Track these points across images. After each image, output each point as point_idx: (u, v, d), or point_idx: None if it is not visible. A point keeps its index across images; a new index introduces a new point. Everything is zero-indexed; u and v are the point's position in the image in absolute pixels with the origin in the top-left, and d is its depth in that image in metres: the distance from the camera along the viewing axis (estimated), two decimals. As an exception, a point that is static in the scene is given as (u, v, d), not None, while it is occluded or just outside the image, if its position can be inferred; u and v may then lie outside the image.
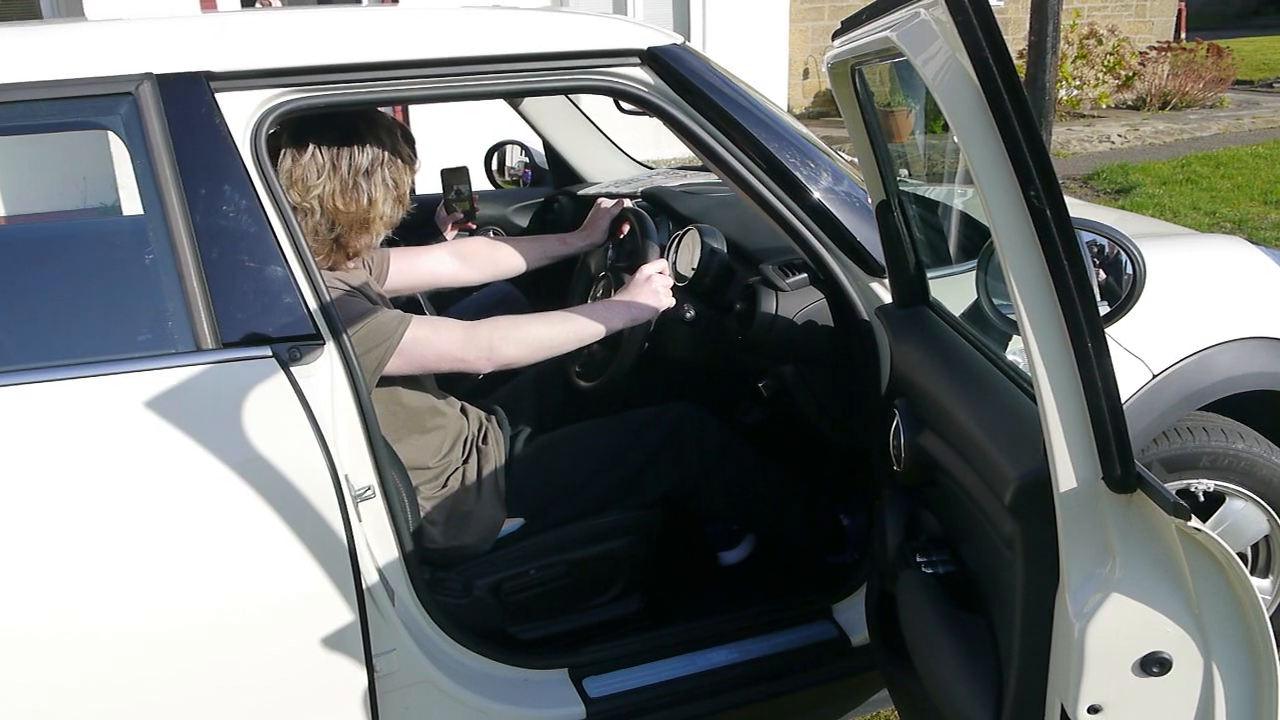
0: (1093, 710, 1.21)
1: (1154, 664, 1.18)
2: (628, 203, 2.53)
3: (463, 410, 2.12)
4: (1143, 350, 1.96)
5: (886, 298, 1.91)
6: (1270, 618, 1.49)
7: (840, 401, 2.09)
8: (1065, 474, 1.14)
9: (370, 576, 1.70)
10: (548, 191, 3.37)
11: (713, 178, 2.90)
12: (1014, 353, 1.74)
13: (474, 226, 2.96)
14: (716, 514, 2.31)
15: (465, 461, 2.04)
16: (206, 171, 1.59)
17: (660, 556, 2.21)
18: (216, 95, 1.62)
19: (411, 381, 1.94)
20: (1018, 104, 1.04)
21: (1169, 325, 1.99)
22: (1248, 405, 2.07)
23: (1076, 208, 2.61)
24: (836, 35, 1.63)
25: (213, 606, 1.56)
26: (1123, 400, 1.12)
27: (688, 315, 2.20)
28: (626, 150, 3.42)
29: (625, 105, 2.03)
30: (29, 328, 1.62)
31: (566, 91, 1.93)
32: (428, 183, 2.93)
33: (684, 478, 2.15)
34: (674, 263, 2.31)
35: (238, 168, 1.61)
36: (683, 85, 1.84)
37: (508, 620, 2.04)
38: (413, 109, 6.20)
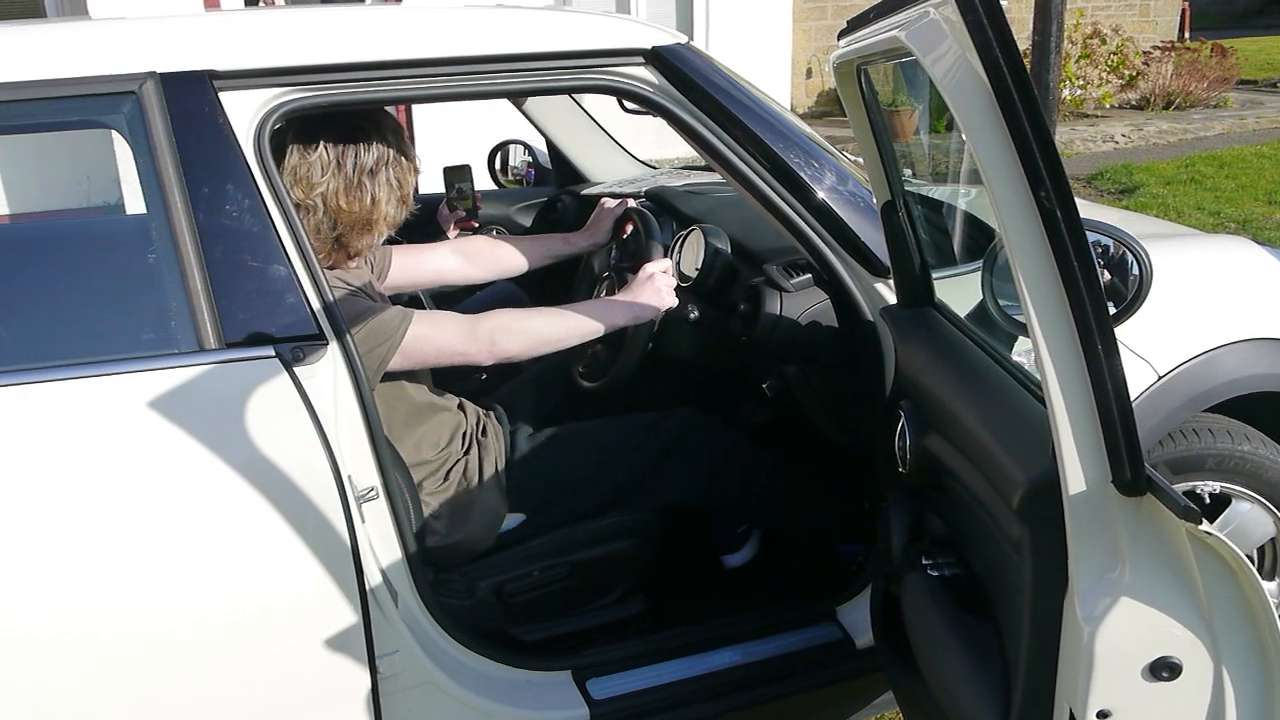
0: (1102, 715, 1.20)
1: (1164, 668, 1.17)
2: (631, 202, 2.53)
3: (460, 405, 2.11)
4: (1148, 351, 1.95)
5: (891, 298, 1.90)
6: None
7: (844, 403, 2.09)
8: (1074, 477, 1.13)
9: (373, 578, 1.69)
10: (551, 191, 3.37)
11: (717, 177, 2.89)
12: (1018, 354, 1.73)
13: (476, 225, 2.96)
14: (729, 515, 2.30)
15: (466, 453, 2.03)
16: (209, 170, 1.59)
17: (663, 559, 2.20)
18: (220, 94, 1.62)
19: (411, 376, 1.94)
20: (1028, 104, 1.03)
21: (1175, 326, 1.98)
22: (1254, 407, 2.06)
23: (1081, 208, 2.59)
24: (842, 35, 1.63)
25: (215, 608, 1.55)
26: (1129, 402, 1.11)
27: (691, 316, 2.19)
28: (630, 150, 3.41)
29: (629, 105, 2.02)
30: (31, 327, 1.62)
31: (570, 91, 1.93)
32: (430, 181, 2.93)
33: (694, 483, 2.14)
34: (678, 263, 2.30)
35: (241, 167, 1.60)
36: (687, 85, 1.84)
37: (511, 622, 2.03)
38: (416, 109, 6.19)
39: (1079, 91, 9.93)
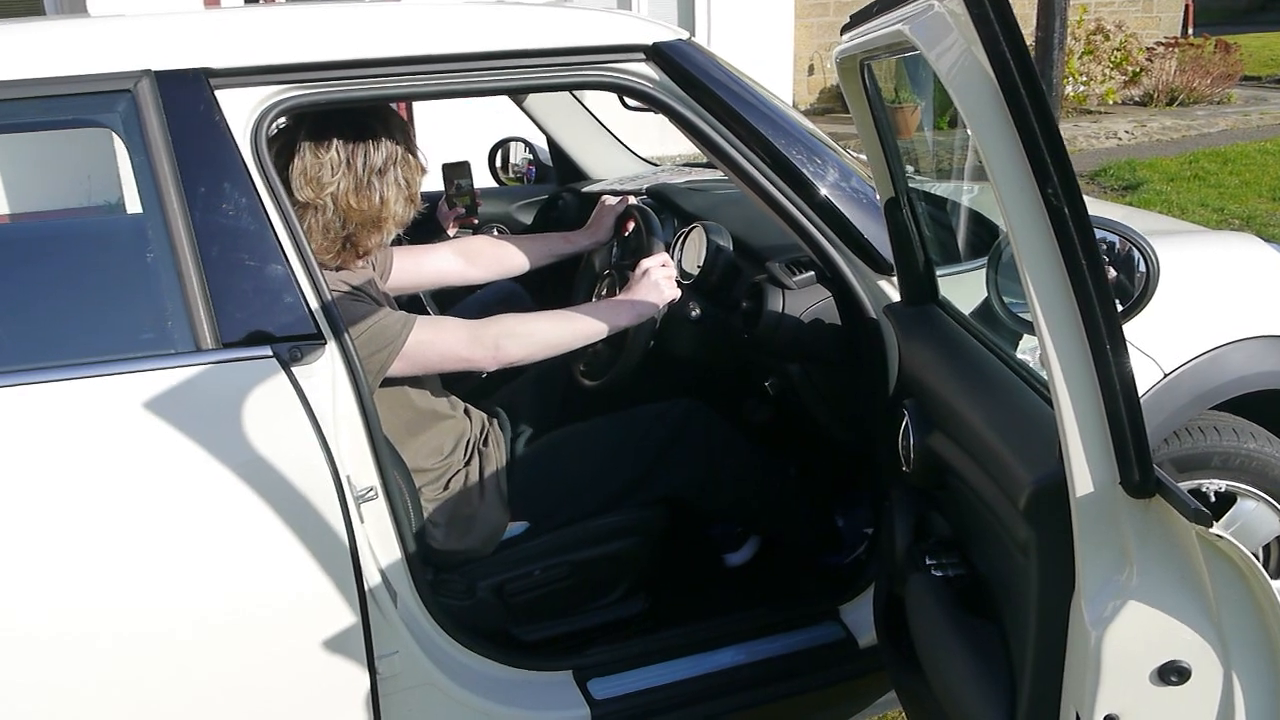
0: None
1: (1172, 673, 1.16)
2: (632, 200, 2.51)
3: (466, 412, 2.10)
4: (1154, 349, 1.94)
5: (895, 296, 1.89)
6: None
7: (848, 401, 2.07)
8: (1082, 478, 1.12)
9: (372, 578, 1.68)
10: (552, 189, 3.35)
11: (719, 174, 2.87)
12: (1023, 351, 1.72)
13: (475, 221, 2.94)
14: (720, 514, 2.29)
15: (467, 464, 2.02)
16: (206, 169, 1.58)
17: (665, 558, 2.19)
18: (216, 92, 1.60)
19: (414, 382, 1.93)
20: (1035, 99, 1.01)
21: (1181, 323, 1.97)
22: (1260, 404, 2.05)
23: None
24: (846, 29, 1.61)
25: (213, 608, 1.54)
26: (1135, 401, 1.09)
27: (693, 314, 2.18)
28: (632, 147, 3.40)
29: (630, 101, 2.00)
30: (28, 328, 1.61)
31: (571, 87, 1.91)
32: (430, 179, 2.91)
33: (691, 477, 2.13)
34: (679, 260, 2.29)
35: (238, 165, 1.59)
36: (688, 81, 1.82)
37: (511, 621, 2.02)
38: (417, 106, 6.18)
39: (1082, 88, 9.90)
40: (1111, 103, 10.18)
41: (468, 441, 2.05)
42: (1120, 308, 1.58)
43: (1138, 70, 10.20)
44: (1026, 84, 1.01)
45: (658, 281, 2.06)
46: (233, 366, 1.54)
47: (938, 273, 1.82)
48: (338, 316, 1.63)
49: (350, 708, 1.67)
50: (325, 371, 1.60)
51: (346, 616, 1.61)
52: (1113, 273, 1.65)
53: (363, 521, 1.66)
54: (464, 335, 1.88)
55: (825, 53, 10.14)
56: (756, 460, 2.20)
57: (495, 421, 2.15)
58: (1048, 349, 1.10)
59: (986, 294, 1.72)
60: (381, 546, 1.72)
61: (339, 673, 1.63)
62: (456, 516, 1.98)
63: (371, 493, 1.68)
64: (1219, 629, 1.15)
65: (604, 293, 2.38)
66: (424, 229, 2.80)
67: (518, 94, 2.98)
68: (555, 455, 2.11)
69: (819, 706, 2.11)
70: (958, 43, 1.11)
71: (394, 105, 1.91)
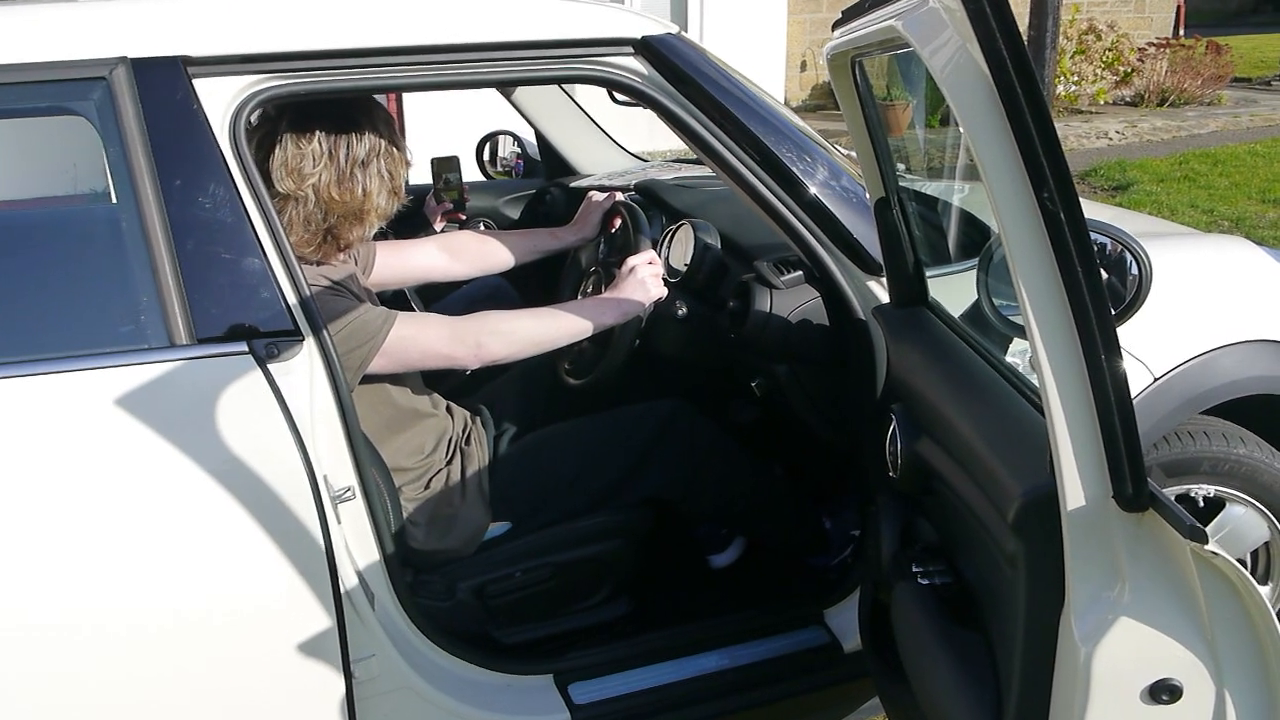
0: (1097, 737, 1.16)
1: (1164, 691, 1.13)
2: (620, 196, 2.48)
3: (448, 410, 2.07)
4: (1144, 353, 1.92)
5: (884, 296, 1.86)
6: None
7: (835, 402, 2.05)
8: (1073, 491, 1.09)
9: (349, 580, 1.65)
10: (540, 183, 3.32)
11: (708, 171, 2.84)
12: (1013, 354, 1.69)
13: (463, 216, 2.92)
14: (704, 515, 2.27)
15: (449, 463, 2.00)
16: (182, 160, 1.54)
17: (648, 559, 2.16)
18: (194, 80, 1.57)
19: (395, 379, 1.90)
20: (1032, 99, 0.98)
21: (1171, 327, 1.96)
22: (1250, 409, 2.03)
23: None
24: (837, 25, 1.58)
25: (182, 609, 1.51)
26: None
27: (680, 312, 2.15)
28: (622, 142, 3.37)
29: (619, 96, 1.97)
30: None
31: (558, 81, 1.88)
32: (418, 172, 2.88)
33: (675, 478, 2.11)
34: (666, 258, 2.26)
35: (215, 156, 1.56)
36: (677, 76, 1.79)
37: (491, 624, 2.00)
38: (406, 98, 6.13)
39: (1073, 88, 9.90)
40: (1103, 103, 10.19)
41: (449, 440, 2.02)
42: (1113, 312, 1.57)
43: (1129, 70, 10.21)
44: (1023, 84, 0.98)
45: (644, 279, 2.03)
46: (207, 363, 1.51)
47: (928, 274, 1.79)
48: (316, 312, 1.60)
49: (325, 712, 1.64)
50: (303, 368, 1.57)
51: (321, 619, 1.58)
52: (1105, 276, 1.63)
53: (340, 522, 1.63)
54: (446, 332, 1.85)
55: (818, 49, 10.12)
56: (742, 461, 2.18)
57: (478, 420, 2.12)
58: (1040, 356, 1.07)
59: (977, 296, 1.69)
60: (359, 547, 1.69)
61: (313, 676, 1.60)
62: (437, 516, 1.96)
63: (349, 493, 1.65)
64: (1212, 647, 1.12)
65: (590, 290, 2.35)
66: (411, 223, 2.77)
67: (503, 87, 2.95)
68: (538, 455, 2.08)
69: (803, 712, 2.09)
70: (952, 40, 1.08)
71: (384, 97, 1.87)
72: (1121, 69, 10.16)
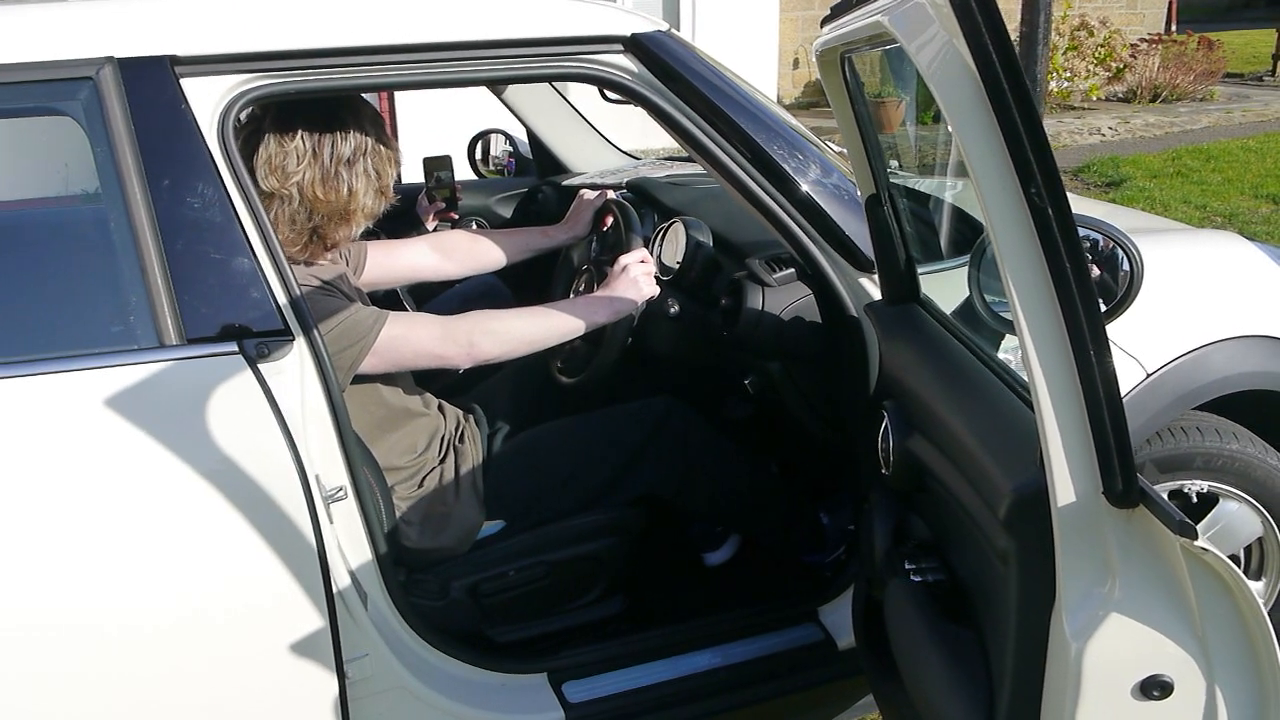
0: (1089, 732, 1.16)
1: (1154, 687, 1.13)
2: (612, 194, 2.48)
3: (440, 408, 2.06)
4: (1137, 349, 1.92)
5: (876, 293, 1.86)
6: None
7: (827, 399, 2.05)
8: (1063, 487, 1.09)
9: (341, 579, 1.64)
10: (532, 182, 3.32)
11: (699, 169, 2.84)
12: (1005, 351, 1.69)
13: (455, 215, 2.91)
14: (698, 513, 2.26)
15: (442, 461, 1.99)
16: (170, 160, 1.53)
17: (643, 557, 2.16)
18: (181, 80, 1.56)
19: (387, 379, 1.89)
20: (1019, 94, 0.98)
21: (1164, 323, 1.96)
22: (1242, 405, 2.03)
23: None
24: (826, 21, 1.58)
25: (175, 610, 1.51)
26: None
27: (672, 310, 2.15)
28: (614, 140, 3.36)
29: (610, 94, 1.97)
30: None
31: (549, 79, 1.88)
32: (410, 171, 2.87)
33: (668, 475, 2.10)
34: (659, 256, 2.26)
35: (203, 156, 1.55)
36: (668, 74, 1.79)
37: (485, 623, 1.99)
38: (398, 97, 6.12)
39: (1066, 84, 9.91)
40: (1095, 99, 10.20)
41: (442, 439, 2.02)
42: (1104, 308, 1.57)
43: (1121, 66, 10.22)
44: (1010, 79, 0.98)
45: (636, 278, 2.03)
46: (197, 363, 1.51)
47: (919, 271, 1.79)
48: (306, 312, 1.59)
49: (318, 712, 1.63)
50: (293, 368, 1.57)
51: (314, 618, 1.57)
52: (1096, 272, 1.63)
53: (332, 522, 1.63)
54: (437, 332, 1.85)
55: (810, 46, 10.10)
56: (736, 459, 2.18)
57: (471, 418, 2.12)
58: (1029, 353, 1.06)
59: (969, 293, 1.69)
60: (351, 547, 1.68)
61: (306, 676, 1.60)
62: (431, 515, 1.95)
63: (341, 492, 1.64)
64: (1202, 643, 1.12)
65: (582, 288, 2.35)
66: (403, 222, 2.76)
67: (494, 85, 2.95)
68: (532, 453, 2.08)
69: (797, 709, 2.09)
70: (939, 35, 1.07)
71: (374, 95, 1.87)
72: (1114, 65, 10.17)
